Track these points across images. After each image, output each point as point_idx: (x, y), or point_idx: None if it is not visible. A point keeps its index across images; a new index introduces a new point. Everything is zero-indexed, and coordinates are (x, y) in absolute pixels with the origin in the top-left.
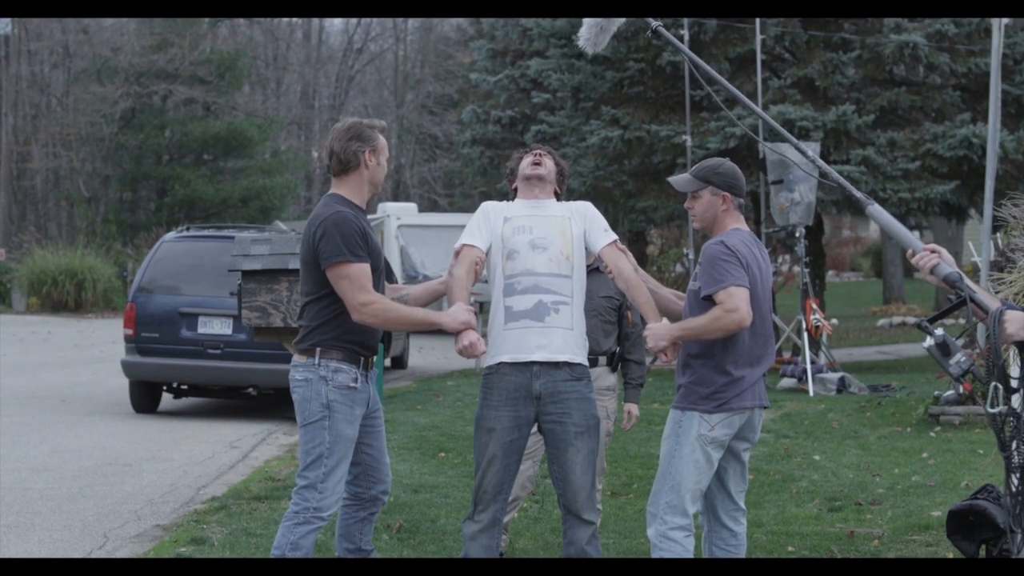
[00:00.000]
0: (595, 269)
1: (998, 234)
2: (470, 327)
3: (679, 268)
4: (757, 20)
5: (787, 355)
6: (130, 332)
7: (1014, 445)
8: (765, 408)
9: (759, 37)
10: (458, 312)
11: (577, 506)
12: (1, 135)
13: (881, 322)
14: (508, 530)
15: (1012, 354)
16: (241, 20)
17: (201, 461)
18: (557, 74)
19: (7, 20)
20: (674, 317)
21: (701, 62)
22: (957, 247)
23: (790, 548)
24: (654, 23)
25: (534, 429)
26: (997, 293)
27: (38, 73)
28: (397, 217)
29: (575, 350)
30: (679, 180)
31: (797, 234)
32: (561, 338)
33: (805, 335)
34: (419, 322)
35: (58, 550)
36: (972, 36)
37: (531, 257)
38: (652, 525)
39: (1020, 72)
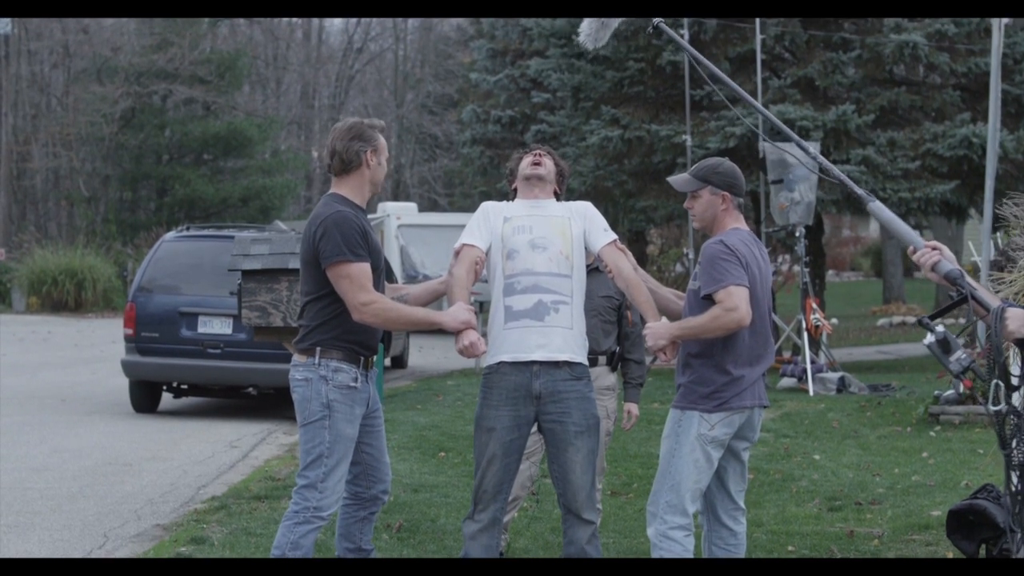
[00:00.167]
0: (595, 269)
1: (998, 234)
2: (470, 327)
3: (679, 268)
4: (757, 20)
5: (787, 355)
6: (130, 332)
7: (1014, 443)
8: (765, 407)
9: (759, 37)
10: (458, 312)
11: (577, 505)
12: (1, 135)
13: (881, 322)
14: (508, 530)
15: (1012, 353)
16: (241, 20)
17: (201, 461)
18: (557, 74)
19: (7, 20)
20: (674, 317)
21: (703, 59)
22: (957, 247)
23: (790, 548)
24: (656, 20)
25: (534, 429)
26: (997, 292)
27: (38, 73)
28: (397, 217)
29: (575, 349)
30: (678, 180)
31: (797, 234)
32: (561, 337)
33: (805, 335)
34: (419, 321)
35: (58, 550)
36: (972, 36)
37: (531, 257)
38: (652, 524)
39: (1020, 72)
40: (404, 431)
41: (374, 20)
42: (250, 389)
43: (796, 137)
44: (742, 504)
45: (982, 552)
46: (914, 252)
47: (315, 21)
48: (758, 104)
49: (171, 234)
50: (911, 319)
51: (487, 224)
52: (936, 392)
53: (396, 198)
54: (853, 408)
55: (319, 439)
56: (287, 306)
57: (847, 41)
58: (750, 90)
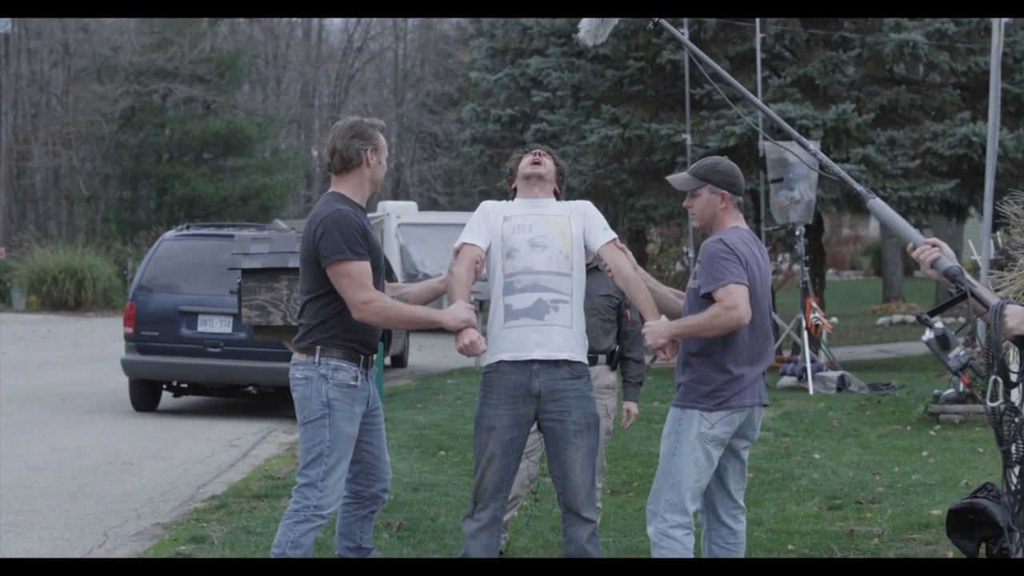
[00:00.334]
0: (594, 268)
1: (998, 232)
2: (470, 325)
3: (679, 267)
4: (757, 19)
5: (787, 353)
6: (130, 330)
7: (1014, 444)
8: (765, 406)
9: (759, 36)
10: (458, 310)
11: (577, 504)
12: (1, 134)
13: (881, 320)
14: (508, 528)
15: (1012, 353)
16: (241, 19)
17: (201, 459)
18: (557, 72)
19: (7, 19)
20: (673, 315)
21: (705, 56)
22: (957, 245)
23: (790, 546)
24: (656, 19)
25: (534, 427)
26: (998, 291)
27: (38, 72)
28: (397, 216)
29: (575, 348)
30: (678, 179)
31: (797, 232)
32: (561, 336)
33: (805, 333)
34: (419, 320)
35: (58, 548)
36: (972, 35)
37: (531, 255)
38: (652, 523)
39: (1020, 71)
40: (404, 430)
41: (374, 19)
42: (250, 388)
43: (796, 134)
44: (742, 503)
45: (982, 551)
46: (913, 249)
47: (315, 20)
48: (758, 101)
49: (171, 233)
50: (911, 318)
51: (487, 223)
52: (936, 391)
53: (396, 197)
54: (853, 407)
55: (319, 438)
56: (287, 305)
57: (847, 40)
58: (750, 89)
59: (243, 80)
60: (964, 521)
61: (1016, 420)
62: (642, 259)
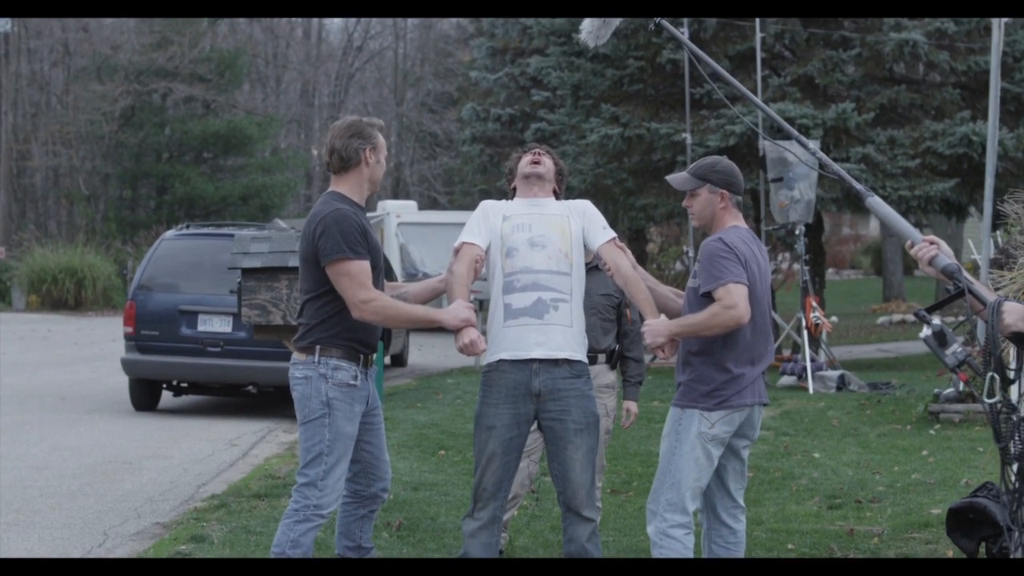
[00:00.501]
0: (594, 267)
1: (998, 231)
2: (470, 324)
3: (679, 266)
4: (757, 18)
5: (787, 353)
6: (130, 330)
7: (1012, 441)
8: (765, 405)
9: (759, 35)
10: (458, 309)
11: (577, 503)
12: (1, 133)
13: (881, 320)
14: (508, 528)
15: (1012, 352)
16: (241, 18)
17: (201, 459)
18: (557, 72)
19: (7, 18)
20: (673, 315)
21: (705, 56)
22: (957, 245)
23: (790, 546)
24: (657, 19)
25: (533, 427)
26: (998, 290)
27: (38, 71)
28: (397, 215)
29: (574, 347)
30: (677, 178)
31: (797, 232)
32: (560, 335)
33: (805, 333)
34: (419, 319)
35: (58, 548)
36: (972, 34)
37: (530, 255)
38: (652, 523)
39: (1020, 70)
40: (404, 429)
41: (374, 18)
42: (250, 387)
43: (795, 133)
44: (742, 502)
45: (982, 550)
46: (912, 246)
47: (315, 19)
48: (758, 101)
49: (171, 232)
50: (911, 317)
51: (486, 222)
52: (936, 390)
53: (396, 196)
54: (853, 406)
55: (319, 437)
56: (287, 304)
57: (847, 39)
58: (750, 88)
59: (243, 79)
60: (964, 520)
61: (1014, 417)
62: (642, 258)
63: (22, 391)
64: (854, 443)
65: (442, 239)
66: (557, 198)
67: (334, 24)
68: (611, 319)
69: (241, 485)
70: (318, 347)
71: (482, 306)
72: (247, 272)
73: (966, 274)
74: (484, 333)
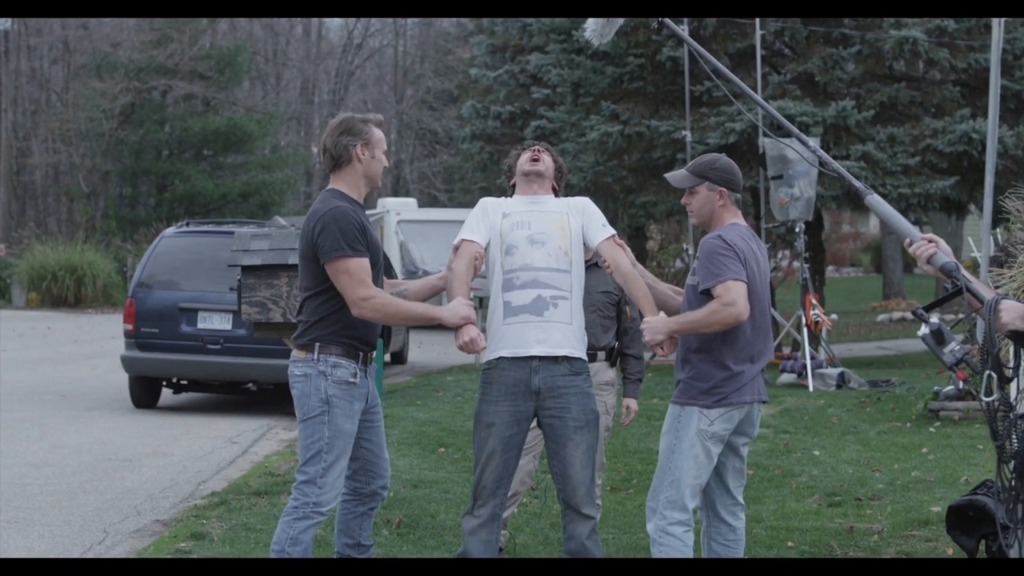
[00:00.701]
0: (594, 265)
1: (998, 229)
2: (470, 322)
3: (679, 263)
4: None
5: (787, 350)
6: (130, 327)
7: (1009, 439)
8: (764, 403)
9: (759, 33)
10: (458, 307)
11: (577, 501)
12: (1, 130)
13: (881, 317)
14: (507, 525)
15: (1010, 350)
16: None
17: (201, 456)
18: (557, 69)
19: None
20: (672, 312)
21: (708, 55)
22: (957, 242)
23: (790, 543)
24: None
25: (533, 424)
26: (998, 288)
27: (38, 69)
28: (396, 212)
29: (574, 345)
30: (675, 176)
31: (797, 230)
32: (560, 333)
33: (805, 330)
34: (419, 317)
35: (58, 545)
36: (972, 31)
37: (530, 252)
38: (652, 520)
39: (1020, 68)
40: (404, 427)
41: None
42: (250, 385)
43: (795, 130)
44: (741, 500)
45: (982, 548)
46: (910, 244)
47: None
48: (759, 98)
49: (171, 230)
50: (911, 315)
51: (486, 220)
52: (936, 388)
53: (396, 194)
54: (853, 404)
55: (318, 435)
56: (287, 302)
57: (847, 37)
58: (750, 86)
59: (243, 77)
60: (964, 518)
61: (1011, 415)
62: (642, 256)
63: (22, 388)
64: (854, 441)
65: (442, 236)
66: (556, 196)
67: (334, 21)
68: (611, 316)
69: (241, 482)
70: (317, 345)
71: (482, 303)
72: (247, 269)
73: (964, 272)
74: (484, 331)
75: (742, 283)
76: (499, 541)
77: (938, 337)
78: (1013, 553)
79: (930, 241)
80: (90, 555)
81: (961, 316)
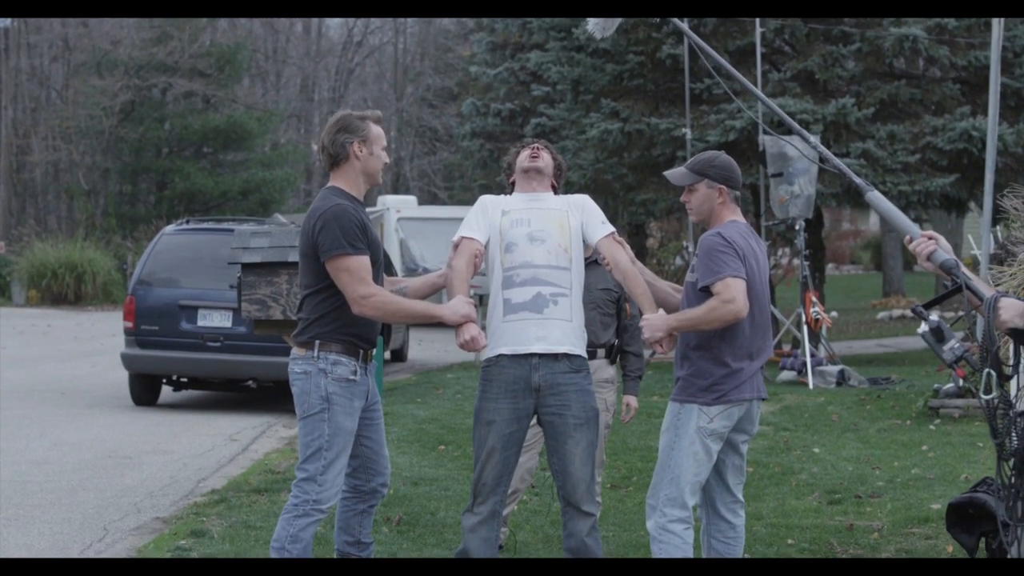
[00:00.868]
0: (593, 262)
1: (998, 227)
2: (471, 320)
3: (678, 261)
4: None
5: (787, 348)
6: (130, 325)
7: (1008, 437)
8: (764, 400)
9: (759, 30)
10: (459, 305)
11: (577, 498)
12: (1, 128)
13: (881, 315)
14: (508, 523)
15: (1010, 348)
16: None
17: (201, 454)
18: (557, 67)
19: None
20: (671, 309)
21: (711, 50)
22: (957, 240)
23: (789, 541)
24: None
25: (533, 421)
26: (997, 286)
27: (38, 66)
28: (396, 210)
29: (574, 342)
30: (675, 174)
31: (797, 227)
32: (560, 330)
33: (805, 328)
34: (419, 314)
35: (58, 542)
36: (972, 29)
37: (529, 249)
38: (651, 517)
39: (1020, 65)
40: (404, 424)
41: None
42: (250, 382)
43: (797, 126)
44: (741, 497)
45: (982, 545)
46: (910, 241)
47: None
48: (760, 94)
49: (171, 227)
50: (911, 313)
51: (485, 217)
52: (936, 385)
53: (396, 191)
54: (853, 401)
55: (318, 432)
56: (287, 299)
57: (847, 34)
58: (750, 83)
59: (243, 74)
60: (964, 515)
61: (1010, 413)
62: (642, 254)
63: (22, 386)
64: (854, 438)
65: (442, 234)
66: (555, 193)
67: (334, 19)
68: (610, 314)
69: (241, 480)
70: (317, 342)
71: (482, 301)
72: (247, 267)
73: (964, 269)
74: (484, 328)
75: (741, 280)
76: (499, 538)
77: (938, 335)
78: (1013, 551)
79: (930, 238)
80: (90, 552)
81: (961, 314)
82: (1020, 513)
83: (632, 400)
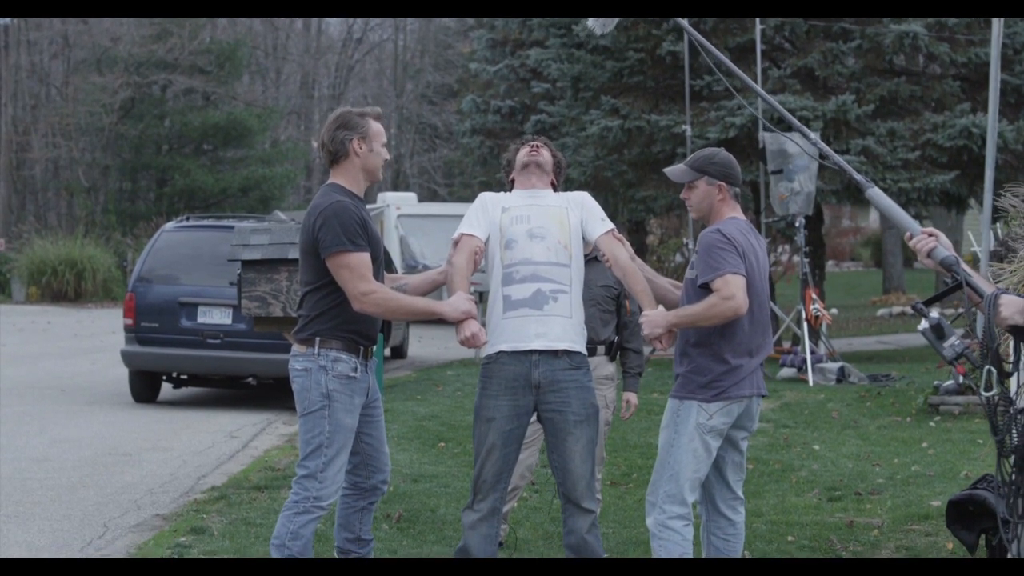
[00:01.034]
0: (593, 259)
1: (998, 224)
2: (471, 317)
3: (678, 258)
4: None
5: (787, 345)
6: (130, 322)
7: (1008, 434)
8: (763, 396)
9: (759, 27)
10: (459, 302)
11: (577, 495)
12: (1, 125)
13: (881, 312)
14: (508, 520)
15: (1010, 345)
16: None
17: (201, 451)
18: (557, 64)
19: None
20: (671, 306)
21: (712, 47)
22: (957, 237)
23: (789, 538)
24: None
25: (533, 418)
26: (998, 283)
27: (38, 63)
28: (397, 207)
29: (574, 338)
30: (674, 171)
31: (797, 224)
32: (560, 326)
33: (805, 325)
34: (420, 311)
35: (58, 539)
36: (972, 26)
37: (529, 246)
38: (651, 514)
39: (1020, 62)
40: (404, 421)
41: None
42: (250, 379)
43: (797, 123)
44: (741, 494)
45: (982, 542)
46: (911, 238)
47: None
48: (761, 90)
49: (171, 224)
50: (911, 309)
51: (485, 214)
52: (936, 382)
53: (396, 188)
54: (853, 398)
55: (318, 429)
56: (287, 296)
57: (847, 31)
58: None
59: (243, 71)
60: (964, 512)
61: (1011, 410)
62: (642, 250)
63: (22, 383)
64: (854, 435)
65: (442, 231)
66: (555, 190)
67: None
68: (610, 310)
69: (241, 477)
70: (318, 339)
71: (482, 298)
72: (247, 264)
73: (964, 266)
74: (484, 325)
75: (741, 277)
76: (499, 535)
77: (938, 332)
78: (1013, 548)
79: (930, 235)
80: (90, 549)
81: (961, 310)
82: (1020, 510)
83: (632, 397)
